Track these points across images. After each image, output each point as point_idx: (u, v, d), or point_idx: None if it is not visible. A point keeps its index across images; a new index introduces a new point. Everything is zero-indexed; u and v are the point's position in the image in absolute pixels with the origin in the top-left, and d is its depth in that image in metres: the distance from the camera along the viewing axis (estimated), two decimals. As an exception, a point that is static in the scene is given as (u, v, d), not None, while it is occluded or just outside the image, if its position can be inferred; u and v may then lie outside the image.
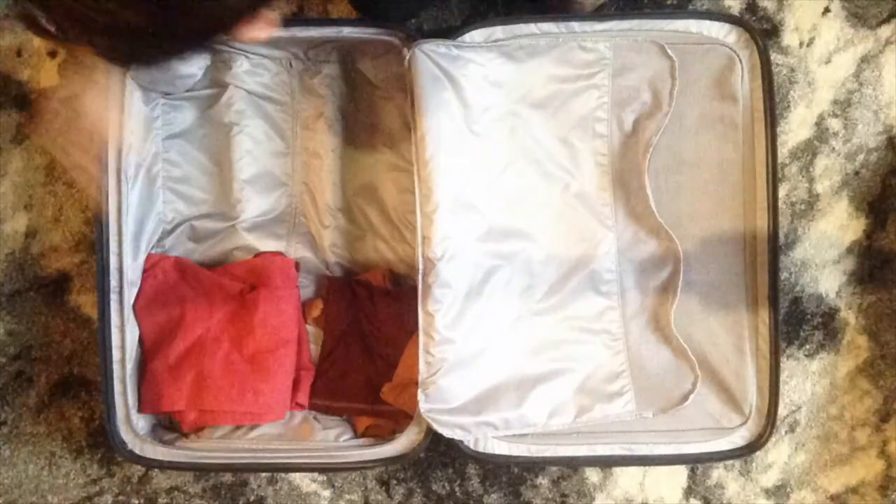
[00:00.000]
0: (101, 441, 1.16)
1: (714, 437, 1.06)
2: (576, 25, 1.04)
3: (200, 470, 1.14)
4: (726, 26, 1.04)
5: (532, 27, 1.05)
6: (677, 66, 1.03)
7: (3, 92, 1.16)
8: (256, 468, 1.08)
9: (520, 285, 1.05)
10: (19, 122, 1.16)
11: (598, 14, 1.11)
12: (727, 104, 1.06)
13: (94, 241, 1.12)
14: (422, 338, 1.00)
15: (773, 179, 1.03)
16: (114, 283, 1.03)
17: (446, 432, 1.01)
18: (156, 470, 1.15)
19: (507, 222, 1.05)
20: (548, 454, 1.06)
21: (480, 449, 1.06)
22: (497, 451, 1.06)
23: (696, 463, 1.14)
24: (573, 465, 1.12)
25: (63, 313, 1.17)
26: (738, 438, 1.06)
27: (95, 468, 1.17)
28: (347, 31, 1.04)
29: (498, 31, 1.05)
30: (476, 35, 1.04)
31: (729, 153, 1.06)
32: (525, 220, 1.05)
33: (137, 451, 1.05)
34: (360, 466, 1.09)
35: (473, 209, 1.02)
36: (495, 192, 1.04)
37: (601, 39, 1.05)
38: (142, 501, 1.17)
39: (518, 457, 1.06)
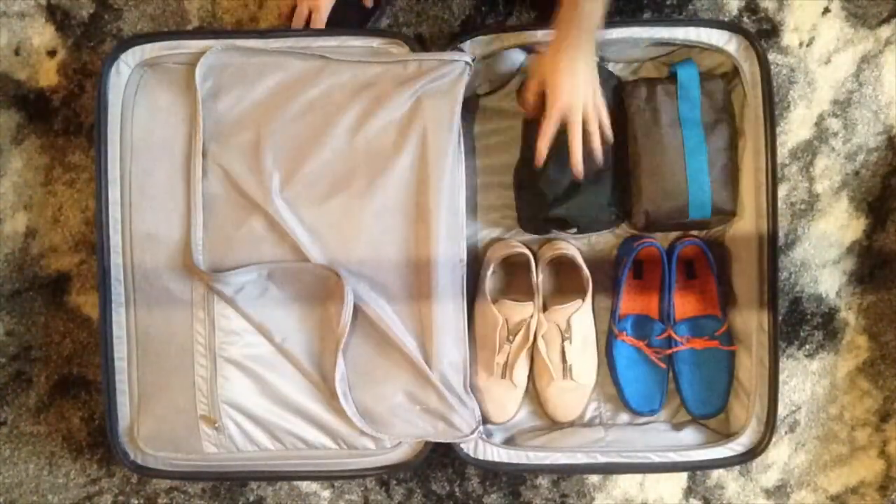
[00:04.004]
0: (100, 441, 1.17)
1: (713, 444, 1.07)
2: None
3: (201, 479, 1.15)
4: (726, 34, 1.04)
5: (536, 34, 1.04)
6: None
7: (1, 91, 1.16)
8: (257, 476, 1.09)
9: None
10: (19, 122, 1.16)
11: None
12: (726, 110, 1.06)
13: (94, 242, 1.13)
14: None
15: (773, 186, 1.03)
16: (120, 290, 1.04)
17: None
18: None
19: None
20: (547, 461, 1.06)
21: (480, 456, 1.06)
22: (496, 459, 1.06)
23: (696, 470, 1.14)
24: (572, 472, 1.12)
25: (63, 313, 1.17)
26: (738, 445, 1.06)
27: (95, 468, 1.17)
28: (352, 42, 1.05)
29: (500, 39, 1.04)
30: (477, 42, 1.04)
31: (729, 158, 1.06)
32: None
33: (139, 461, 1.07)
34: (361, 474, 1.10)
35: None
36: None
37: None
38: (141, 501, 1.17)
39: (517, 464, 1.06)
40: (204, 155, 1.02)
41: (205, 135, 1.02)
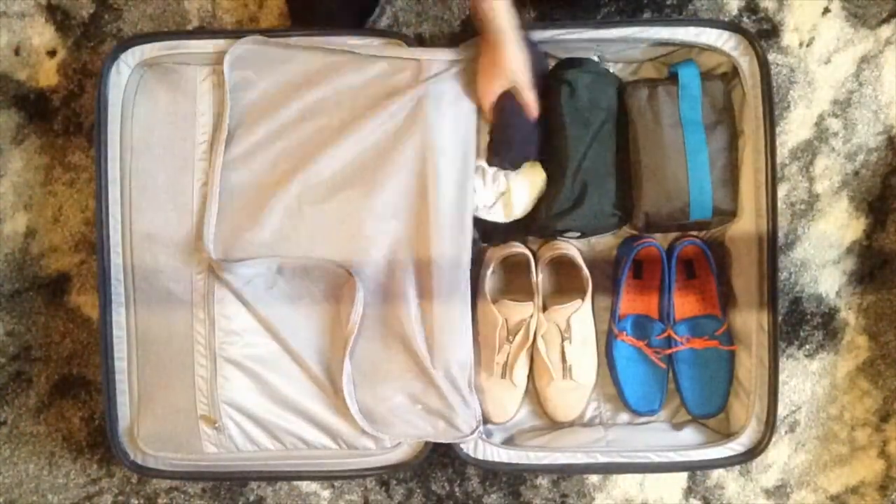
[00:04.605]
0: (100, 441, 1.17)
1: (713, 444, 1.07)
2: (576, 33, 1.04)
3: (201, 479, 1.15)
4: (726, 34, 1.04)
5: (536, 34, 1.04)
6: None
7: (1, 91, 1.16)
8: (257, 476, 1.09)
9: None
10: (19, 122, 1.16)
11: (600, 21, 1.11)
12: (727, 110, 1.06)
13: (94, 242, 1.13)
14: None
15: (773, 186, 1.03)
16: (120, 290, 1.05)
17: None
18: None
19: None
20: (547, 461, 1.06)
21: (480, 456, 1.07)
22: (496, 459, 1.07)
23: (696, 470, 1.14)
24: (572, 472, 1.12)
25: (63, 313, 1.17)
26: (738, 445, 1.06)
27: (95, 468, 1.17)
28: (352, 42, 1.05)
29: None
30: (477, 42, 1.04)
31: (729, 158, 1.06)
32: None
33: (139, 461, 1.07)
34: (361, 474, 1.11)
35: None
36: None
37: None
38: (141, 501, 1.17)
39: (517, 464, 1.06)
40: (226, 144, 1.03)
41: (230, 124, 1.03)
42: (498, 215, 1.07)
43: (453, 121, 1.02)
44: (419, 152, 1.01)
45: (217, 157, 1.02)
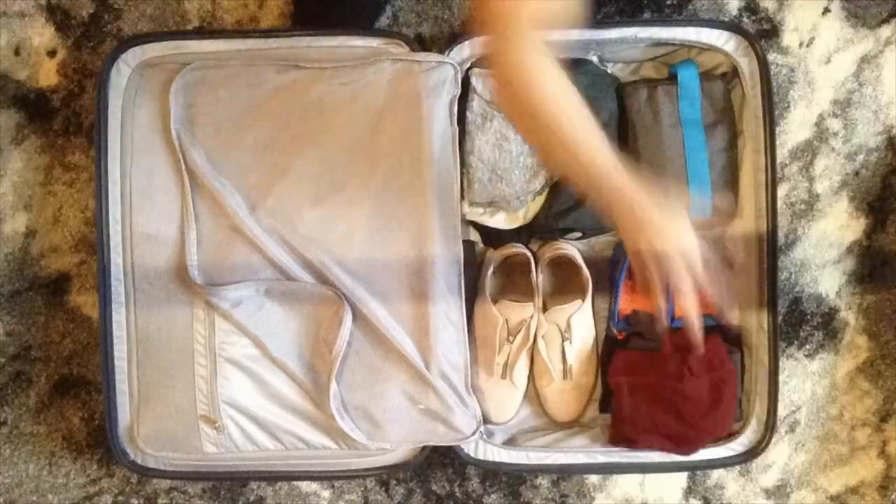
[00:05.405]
0: (101, 441, 1.16)
1: (713, 443, 1.06)
2: (576, 33, 1.04)
3: (201, 479, 1.15)
4: (726, 34, 1.04)
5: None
6: None
7: (1, 91, 1.16)
8: (257, 476, 1.09)
9: None
10: (19, 122, 1.16)
11: (600, 21, 1.11)
12: (726, 110, 1.06)
13: (94, 242, 1.13)
14: None
15: (773, 186, 1.03)
16: (120, 290, 1.05)
17: None
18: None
19: None
20: (547, 461, 1.07)
21: (480, 456, 1.07)
22: (496, 459, 1.07)
23: (696, 469, 1.14)
24: (572, 472, 1.12)
25: (63, 313, 1.17)
26: (738, 445, 1.06)
27: (95, 468, 1.17)
28: (352, 42, 1.05)
29: None
30: (477, 42, 1.04)
31: (729, 158, 1.06)
32: None
33: (139, 461, 1.07)
34: (361, 474, 1.11)
35: None
36: None
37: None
38: (141, 501, 1.17)
39: (517, 464, 1.07)
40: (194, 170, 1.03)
41: (199, 149, 1.04)
42: (500, 222, 1.07)
43: (445, 119, 1.02)
44: (413, 152, 1.01)
45: (186, 183, 1.03)
